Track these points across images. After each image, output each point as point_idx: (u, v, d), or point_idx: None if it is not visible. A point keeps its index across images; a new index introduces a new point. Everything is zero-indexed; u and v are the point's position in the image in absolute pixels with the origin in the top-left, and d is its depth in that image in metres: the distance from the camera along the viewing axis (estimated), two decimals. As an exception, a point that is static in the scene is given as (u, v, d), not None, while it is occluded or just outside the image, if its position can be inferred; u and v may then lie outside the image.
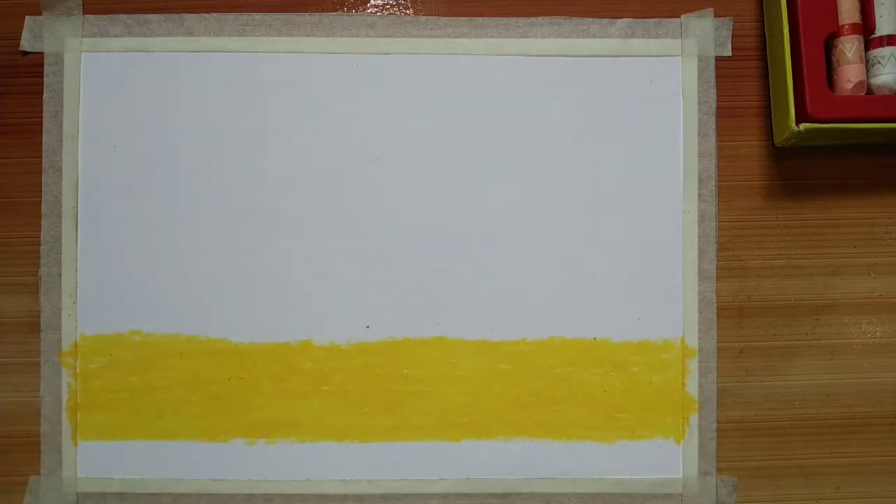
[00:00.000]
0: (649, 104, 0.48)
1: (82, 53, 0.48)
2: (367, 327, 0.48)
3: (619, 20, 0.48)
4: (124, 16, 0.48)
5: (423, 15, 0.49)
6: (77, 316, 0.47)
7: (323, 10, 0.49)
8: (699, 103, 0.48)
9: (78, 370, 0.47)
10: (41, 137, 0.48)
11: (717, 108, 0.48)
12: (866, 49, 0.46)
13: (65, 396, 0.47)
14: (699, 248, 0.48)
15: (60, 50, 0.48)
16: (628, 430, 0.48)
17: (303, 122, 0.48)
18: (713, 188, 0.48)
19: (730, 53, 0.48)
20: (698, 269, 0.48)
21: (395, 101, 0.48)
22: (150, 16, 0.48)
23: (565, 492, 0.48)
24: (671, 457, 0.48)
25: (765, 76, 0.49)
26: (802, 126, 0.44)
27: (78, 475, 0.47)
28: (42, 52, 0.48)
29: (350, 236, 0.48)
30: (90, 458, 0.48)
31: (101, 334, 0.48)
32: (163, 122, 0.48)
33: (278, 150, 0.48)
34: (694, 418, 0.48)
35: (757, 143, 0.49)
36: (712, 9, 0.48)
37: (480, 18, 0.48)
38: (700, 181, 0.48)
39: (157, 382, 0.48)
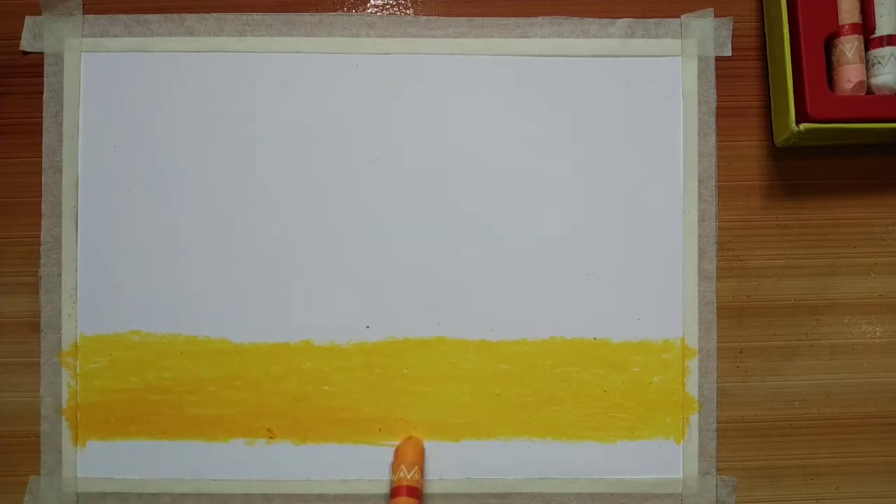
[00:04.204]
0: (649, 104, 0.48)
1: (82, 53, 0.48)
2: (367, 327, 0.48)
3: (619, 20, 0.48)
4: (124, 16, 0.48)
5: (423, 15, 0.49)
6: (77, 316, 0.47)
7: (323, 10, 0.49)
8: (699, 103, 0.48)
9: (78, 370, 0.47)
10: (41, 137, 0.48)
11: (717, 108, 0.48)
12: (866, 49, 0.46)
13: (65, 396, 0.47)
14: (699, 248, 0.48)
15: (60, 50, 0.48)
16: (628, 430, 0.48)
17: (303, 123, 0.48)
18: (713, 188, 0.48)
19: (730, 53, 0.48)
20: (698, 269, 0.48)
21: (395, 101, 0.48)
22: (150, 16, 0.48)
23: (565, 492, 0.48)
24: (671, 457, 0.48)
25: (765, 76, 0.49)
26: (802, 126, 0.44)
27: (78, 475, 0.47)
28: (42, 52, 0.48)
29: (350, 236, 0.48)
30: (90, 458, 0.48)
31: (100, 334, 0.48)
32: (163, 122, 0.48)
33: (278, 150, 0.48)
34: (694, 418, 0.48)
35: (757, 143, 0.49)
36: (712, 9, 0.48)
37: (480, 18, 0.48)
38: (700, 181, 0.48)
39: (157, 382, 0.48)
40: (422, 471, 0.46)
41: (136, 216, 0.48)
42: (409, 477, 0.45)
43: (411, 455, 0.46)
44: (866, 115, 0.44)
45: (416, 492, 0.45)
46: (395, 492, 0.45)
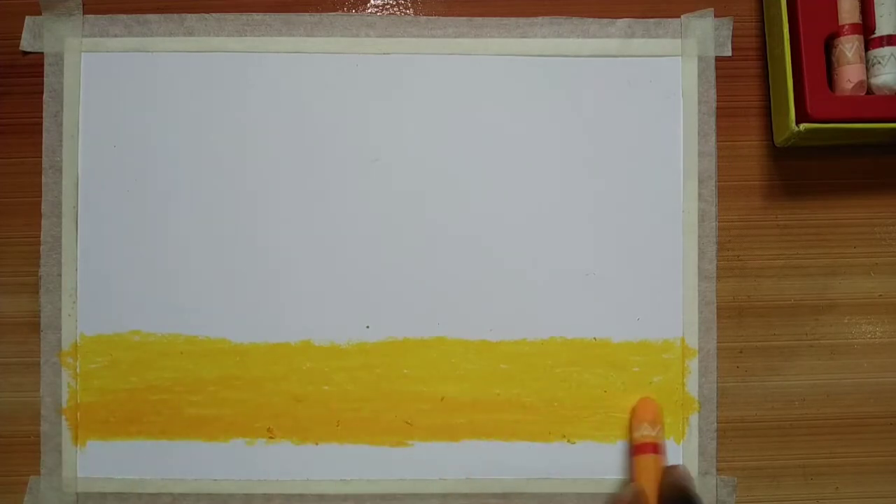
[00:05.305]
0: (649, 104, 0.48)
1: (82, 53, 0.48)
2: (367, 327, 0.48)
3: (619, 20, 0.48)
4: (124, 16, 0.48)
5: (423, 15, 0.49)
6: (77, 316, 0.47)
7: (323, 10, 0.49)
8: (699, 103, 0.48)
9: (78, 370, 0.47)
10: (41, 137, 0.48)
11: (717, 108, 0.48)
12: (866, 49, 0.46)
13: (65, 396, 0.47)
14: (699, 248, 0.48)
15: (60, 50, 0.48)
16: (628, 430, 0.48)
17: (303, 123, 0.48)
18: (713, 188, 0.48)
19: (730, 53, 0.48)
20: (698, 269, 0.48)
21: (395, 101, 0.48)
22: (150, 16, 0.48)
23: (565, 492, 0.48)
24: (671, 457, 0.48)
25: (765, 76, 0.49)
26: (802, 126, 0.44)
27: (78, 475, 0.47)
28: (42, 52, 0.48)
29: (350, 236, 0.48)
30: (90, 458, 0.48)
31: (100, 334, 0.48)
32: (163, 122, 0.48)
33: (277, 149, 0.48)
34: (694, 418, 0.48)
35: (757, 143, 0.49)
36: (712, 9, 0.48)
37: (480, 18, 0.48)
38: (700, 181, 0.48)
39: (157, 382, 0.48)
40: (664, 430, 0.46)
41: (136, 216, 0.48)
42: (654, 434, 0.45)
43: (652, 413, 0.45)
44: (866, 115, 0.44)
45: (660, 448, 0.44)
46: (638, 449, 0.44)
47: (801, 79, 0.44)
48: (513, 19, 0.48)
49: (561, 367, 0.48)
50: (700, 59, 0.48)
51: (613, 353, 0.48)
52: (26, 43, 0.48)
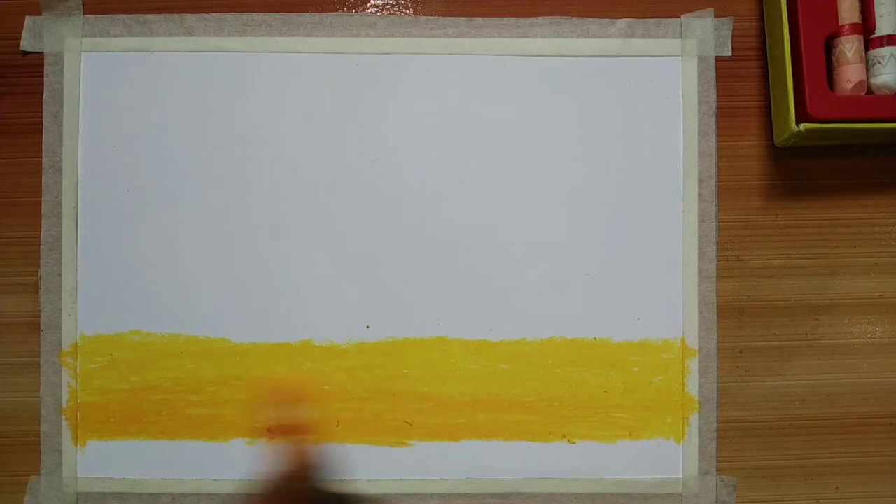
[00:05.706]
0: (649, 104, 0.48)
1: (82, 53, 0.48)
2: (367, 327, 0.48)
3: (619, 20, 0.48)
4: (124, 16, 0.48)
5: (423, 15, 0.49)
6: (77, 316, 0.47)
7: (323, 10, 0.49)
8: (699, 103, 0.48)
9: (78, 370, 0.47)
10: (41, 137, 0.48)
11: (717, 108, 0.48)
12: (866, 49, 0.46)
13: (65, 396, 0.47)
14: (699, 248, 0.48)
15: (60, 50, 0.48)
16: (628, 431, 0.48)
17: (303, 123, 0.48)
18: (713, 188, 0.48)
19: (730, 53, 0.48)
20: (698, 269, 0.48)
21: (395, 101, 0.48)
22: (150, 16, 0.48)
23: (565, 492, 0.48)
24: (671, 457, 0.48)
25: (765, 76, 0.49)
26: (802, 126, 0.44)
27: (78, 475, 0.47)
28: (42, 52, 0.48)
29: (350, 236, 0.48)
30: (90, 459, 0.48)
31: (101, 334, 0.48)
32: (163, 122, 0.48)
33: (278, 149, 0.48)
34: (694, 418, 0.48)
35: (757, 143, 0.49)
36: (712, 9, 0.48)
37: (480, 18, 0.48)
38: (700, 181, 0.48)
39: (158, 382, 0.48)
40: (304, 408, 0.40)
41: (136, 216, 0.48)
42: (297, 415, 0.40)
43: (294, 393, 0.41)
44: (866, 115, 0.44)
45: (304, 430, 0.40)
46: (278, 430, 0.39)
47: (801, 79, 0.44)
48: (513, 19, 0.48)
49: (561, 367, 0.48)
50: (700, 59, 0.48)
51: (613, 353, 0.48)
52: (26, 43, 0.48)
